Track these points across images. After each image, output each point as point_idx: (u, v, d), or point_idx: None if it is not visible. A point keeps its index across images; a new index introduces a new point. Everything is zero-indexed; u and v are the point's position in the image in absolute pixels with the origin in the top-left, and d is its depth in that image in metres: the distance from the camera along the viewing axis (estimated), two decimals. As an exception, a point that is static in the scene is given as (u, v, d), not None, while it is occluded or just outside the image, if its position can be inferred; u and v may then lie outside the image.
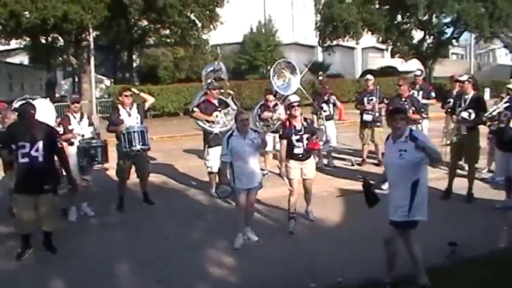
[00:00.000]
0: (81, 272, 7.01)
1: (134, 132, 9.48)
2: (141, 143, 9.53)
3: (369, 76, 13.40)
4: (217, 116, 10.42)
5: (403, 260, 5.96)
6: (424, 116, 12.13)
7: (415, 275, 5.88)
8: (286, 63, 12.48)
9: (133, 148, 9.50)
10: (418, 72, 13.21)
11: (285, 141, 8.39)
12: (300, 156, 8.34)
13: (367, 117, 12.74)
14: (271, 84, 11.97)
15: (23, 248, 7.48)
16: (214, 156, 10.03)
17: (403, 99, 10.91)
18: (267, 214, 9.30)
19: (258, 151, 7.82)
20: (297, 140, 8.29)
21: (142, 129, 9.61)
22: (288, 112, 8.80)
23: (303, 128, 8.34)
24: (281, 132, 8.57)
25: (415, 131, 5.86)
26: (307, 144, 8.32)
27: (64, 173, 7.92)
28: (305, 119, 8.53)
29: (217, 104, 10.53)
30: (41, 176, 7.33)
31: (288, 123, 8.51)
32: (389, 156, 5.96)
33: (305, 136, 8.31)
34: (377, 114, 12.52)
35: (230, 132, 7.90)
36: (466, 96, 9.57)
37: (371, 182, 6.41)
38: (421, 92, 12.57)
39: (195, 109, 10.58)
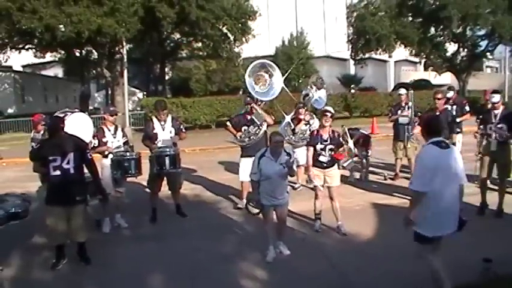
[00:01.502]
0: (114, 283, 7.09)
1: (166, 156, 9.55)
2: (171, 167, 9.60)
3: (402, 90, 13.20)
4: (244, 130, 10.58)
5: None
6: (458, 130, 11.97)
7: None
8: (318, 78, 12.78)
9: (164, 171, 9.64)
10: (451, 94, 12.96)
11: (311, 149, 8.87)
12: (324, 164, 8.82)
13: (403, 120, 12.52)
14: (311, 98, 12.17)
15: (57, 259, 7.57)
16: (244, 166, 10.27)
17: (438, 112, 10.75)
18: (298, 228, 9.24)
19: (287, 175, 7.72)
20: (321, 149, 8.74)
21: (173, 153, 9.64)
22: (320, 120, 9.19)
23: (329, 139, 8.74)
24: (308, 140, 8.99)
25: (423, 152, 5.86)
26: (331, 154, 8.75)
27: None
28: (333, 131, 8.89)
29: (248, 118, 10.65)
30: (73, 187, 7.44)
31: (316, 132, 8.98)
32: None
33: (329, 147, 8.72)
34: (412, 117, 12.27)
35: (262, 151, 7.73)
36: (496, 112, 9.50)
37: None
38: (454, 107, 12.38)
39: (228, 123, 10.95)
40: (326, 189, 8.94)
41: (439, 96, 10.84)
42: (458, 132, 11.96)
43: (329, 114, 8.82)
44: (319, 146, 8.74)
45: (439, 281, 5.75)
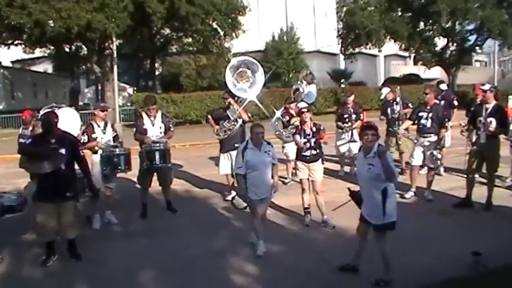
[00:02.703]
0: (104, 280, 7.07)
1: (156, 151, 9.59)
2: (161, 161, 9.64)
3: (383, 90, 13.40)
4: (221, 124, 10.77)
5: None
6: (446, 124, 11.98)
7: (384, 270, 6.39)
8: (308, 74, 12.89)
9: (154, 166, 9.66)
10: (444, 86, 13.07)
11: (297, 136, 9.10)
12: (307, 158, 9.02)
13: (394, 115, 12.62)
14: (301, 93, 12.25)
15: (47, 255, 7.55)
16: (221, 160, 10.77)
17: (428, 107, 10.77)
18: (289, 222, 9.27)
19: (271, 163, 7.83)
20: (305, 143, 8.91)
21: (163, 148, 9.69)
22: (299, 118, 9.44)
23: (311, 133, 8.94)
24: (293, 134, 9.35)
25: (381, 148, 6.36)
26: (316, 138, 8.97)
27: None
28: (314, 124, 9.09)
29: (226, 113, 10.83)
30: (64, 183, 7.39)
31: (299, 127, 9.18)
32: (360, 168, 6.58)
33: (313, 140, 8.91)
34: (401, 111, 12.36)
35: (244, 144, 7.86)
36: (488, 106, 9.51)
37: (355, 190, 6.81)
38: (442, 102, 12.38)
39: (209, 116, 11.32)
40: (310, 183, 9.07)
41: (428, 91, 10.86)
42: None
43: (305, 110, 9.11)
44: (302, 140, 8.94)
45: (388, 261, 6.45)
